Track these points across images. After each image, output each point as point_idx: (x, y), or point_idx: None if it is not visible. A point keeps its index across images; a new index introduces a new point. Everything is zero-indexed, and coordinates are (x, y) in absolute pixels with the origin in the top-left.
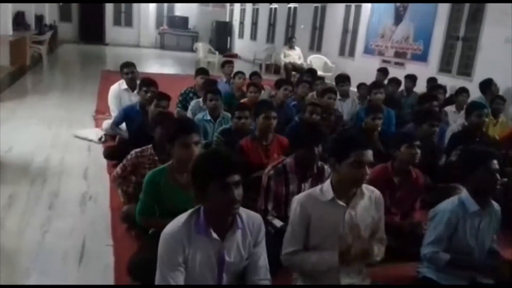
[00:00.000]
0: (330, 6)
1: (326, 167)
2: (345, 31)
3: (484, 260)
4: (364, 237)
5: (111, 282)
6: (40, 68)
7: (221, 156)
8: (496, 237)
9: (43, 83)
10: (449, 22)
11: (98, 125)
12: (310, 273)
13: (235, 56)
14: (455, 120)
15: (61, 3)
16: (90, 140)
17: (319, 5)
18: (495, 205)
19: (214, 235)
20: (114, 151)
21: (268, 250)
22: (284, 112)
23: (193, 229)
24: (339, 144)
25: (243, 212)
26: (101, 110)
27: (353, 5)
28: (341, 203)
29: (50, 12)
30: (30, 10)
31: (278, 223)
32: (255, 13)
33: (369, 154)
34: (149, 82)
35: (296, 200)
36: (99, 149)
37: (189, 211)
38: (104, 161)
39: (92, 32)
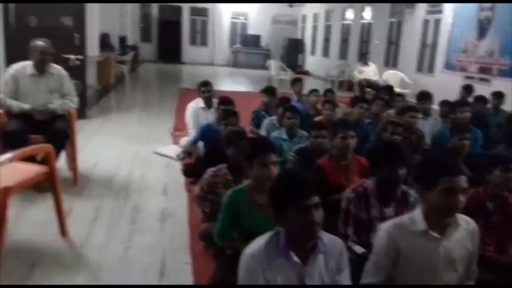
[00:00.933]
0: (407, 20)
1: (411, 191)
2: (423, 45)
3: None
4: (460, 272)
5: None
6: (122, 87)
7: (299, 177)
8: None
9: (125, 100)
10: None
11: (176, 142)
12: None
13: (306, 73)
14: None
15: (141, 25)
16: (169, 157)
17: (395, 19)
18: None
19: (295, 258)
20: (192, 168)
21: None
22: (360, 130)
23: (273, 251)
24: (426, 169)
25: (324, 235)
26: (179, 127)
27: (432, 18)
28: (434, 234)
29: (132, 33)
30: (114, 32)
31: (359, 249)
32: (328, 29)
33: (462, 180)
34: (226, 100)
35: (383, 229)
36: (177, 166)
37: (269, 233)
38: (182, 178)
39: (170, 51)
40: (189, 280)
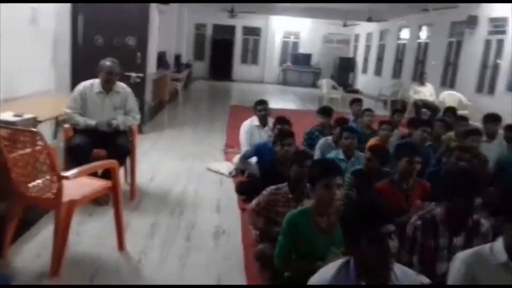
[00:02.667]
0: (467, 40)
1: (483, 221)
2: (483, 66)
3: None
4: None
5: None
6: (176, 103)
7: (374, 205)
8: None
9: (177, 116)
10: None
11: (228, 159)
12: None
13: (357, 91)
14: None
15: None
16: (222, 174)
17: (454, 39)
18: None
19: None
20: (245, 186)
21: None
22: (422, 154)
23: (343, 281)
24: (508, 198)
25: (397, 267)
26: (230, 144)
27: (494, 39)
28: None
29: (186, 51)
30: (170, 50)
31: (424, 279)
32: (381, 48)
33: None
34: (283, 120)
35: (460, 258)
36: (230, 183)
37: (339, 261)
38: (234, 195)
39: (221, 69)
40: None
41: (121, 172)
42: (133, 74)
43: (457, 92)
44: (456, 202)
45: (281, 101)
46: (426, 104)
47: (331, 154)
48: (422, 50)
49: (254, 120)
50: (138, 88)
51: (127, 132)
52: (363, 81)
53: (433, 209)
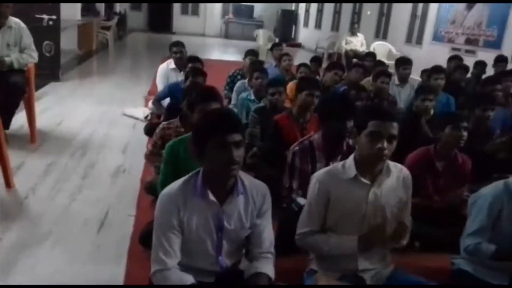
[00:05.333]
0: None
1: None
2: (413, 16)
3: None
4: (389, 219)
5: (124, 250)
6: (106, 54)
7: (222, 114)
8: None
9: (106, 67)
10: None
11: (147, 104)
12: (326, 256)
13: (299, 45)
14: None
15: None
16: (136, 118)
17: None
18: None
19: (212, 198)
20: (154, 127)
21: (290, 228)
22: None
23: (190, 190)
24: (360, 113)
25: (247, 178)
26: (154, 91)
27: None
28: (365, 180)
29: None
30: None
31: (302, 201)
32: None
33: (390, 126)
34: (195, 58)
35: (315, 177)
36: (143, 127)
37: (191, 173)
38: (145, 138)
39: (160, 21)
40: (128, 232)
41: (24, 114)
42: (45, 16)
43: (389, 43)
44: (330, 126)
45: (222, 54)
46: (356, 54)
47: (243, 95)
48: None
49: (170, 63)
50: (51, 32)
51: (24, 71)
52: (305, 34)
53: (312, 135)
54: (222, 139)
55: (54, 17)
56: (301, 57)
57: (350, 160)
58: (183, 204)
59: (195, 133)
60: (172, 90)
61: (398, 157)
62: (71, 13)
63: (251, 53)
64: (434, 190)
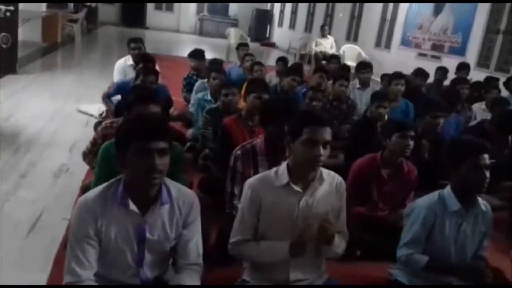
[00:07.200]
0: None
1: None
2: (383, 20)
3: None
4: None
5: (52, 255)
6: (72, 47)
7: (148, 119)
8: (487, 243)
9: (70, 60)
10: (490, 13)
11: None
12: (258, 265)
13: (273, 45)
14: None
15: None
16: (91, 115)
17: None
18: (484, 205)
19: (132, 207)
20: None
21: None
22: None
23: (110, 199)
24: (294, 120)
25: (174, 186)
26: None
27: None
28: (296, 188)
29: None
30: None
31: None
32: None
33: (325, 132)
34: (147, 57)
35: (248, 183)
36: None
37: (112, 179)
38: None
39: (133, 15)
40: (59, 236)
41: None
42: (2, 7)
43: (359, 46)
44: (270, 130)
45: None
46: (325, 56)
47: (200, 95)
48: (331, 4)
49: (128, 60)
50: (8, 23)
51: None
52: (279, 34)
53: (254, 139)
54: (144, 145)
55: (11, 8)
56: (274, 57)
57: (283, 167)
58: (101, 212)
59: (118, 137)
60: (121, 88)
61: (350, 162)
62: (35, 4)
63: (196, 55)
64: (379, 197)
